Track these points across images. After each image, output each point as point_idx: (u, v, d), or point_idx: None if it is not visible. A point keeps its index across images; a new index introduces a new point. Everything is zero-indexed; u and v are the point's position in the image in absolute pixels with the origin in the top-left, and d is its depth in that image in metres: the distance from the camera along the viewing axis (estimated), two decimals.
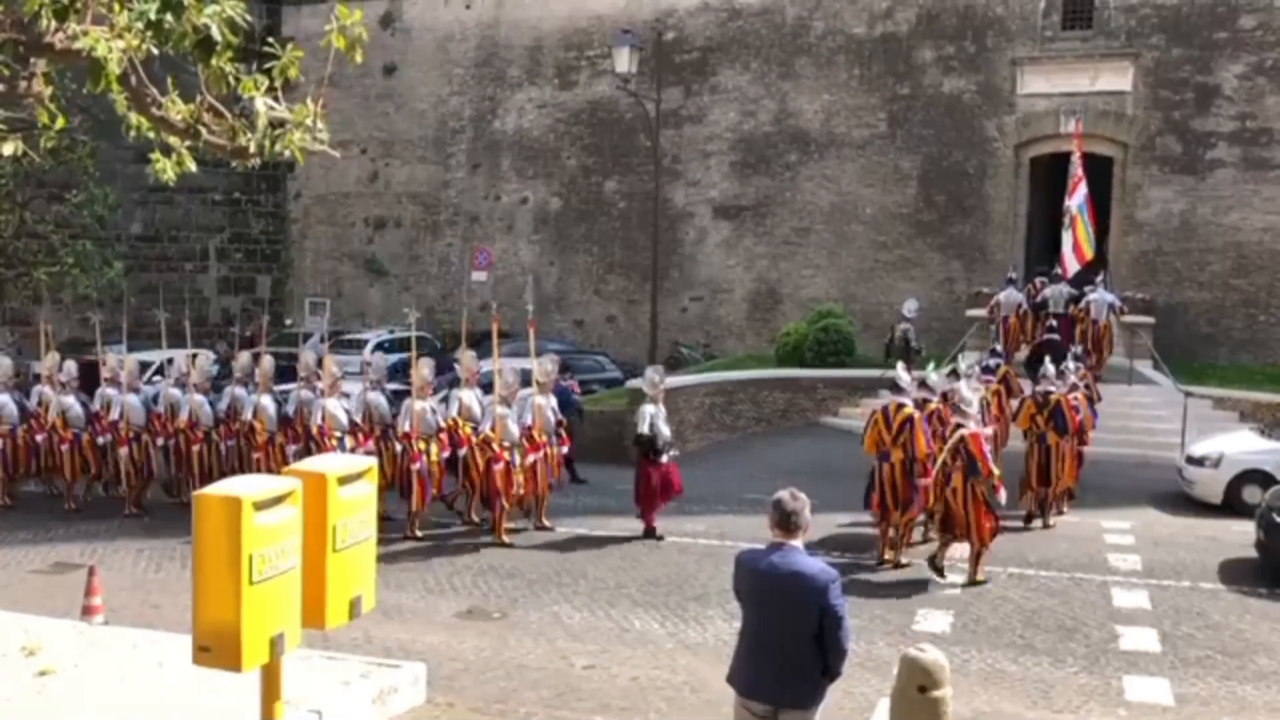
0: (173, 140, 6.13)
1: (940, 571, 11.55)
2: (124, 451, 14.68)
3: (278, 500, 5.72)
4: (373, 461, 6.80)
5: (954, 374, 14.59)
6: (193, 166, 6.20)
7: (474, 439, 13.34)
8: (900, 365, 13.93)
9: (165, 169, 6.10)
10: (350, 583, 6.25)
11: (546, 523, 13.81)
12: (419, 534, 13.28)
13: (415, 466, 13.17)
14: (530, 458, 13.23)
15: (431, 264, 30.86)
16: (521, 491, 13.23)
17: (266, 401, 14.58)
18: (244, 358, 15.73)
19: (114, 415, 14.92)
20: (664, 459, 13.17)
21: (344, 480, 6.19)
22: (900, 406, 12.13)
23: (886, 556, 12.24)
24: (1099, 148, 23.81)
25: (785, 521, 5.49)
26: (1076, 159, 20.79)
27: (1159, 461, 17.06)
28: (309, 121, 5.84)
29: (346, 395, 14.69)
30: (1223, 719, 8.31)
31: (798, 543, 5.51)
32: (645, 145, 26.57)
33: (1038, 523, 13.98)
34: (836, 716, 7.27)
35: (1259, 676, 9.09)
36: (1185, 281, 23.59)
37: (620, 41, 23.73)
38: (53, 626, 8.91)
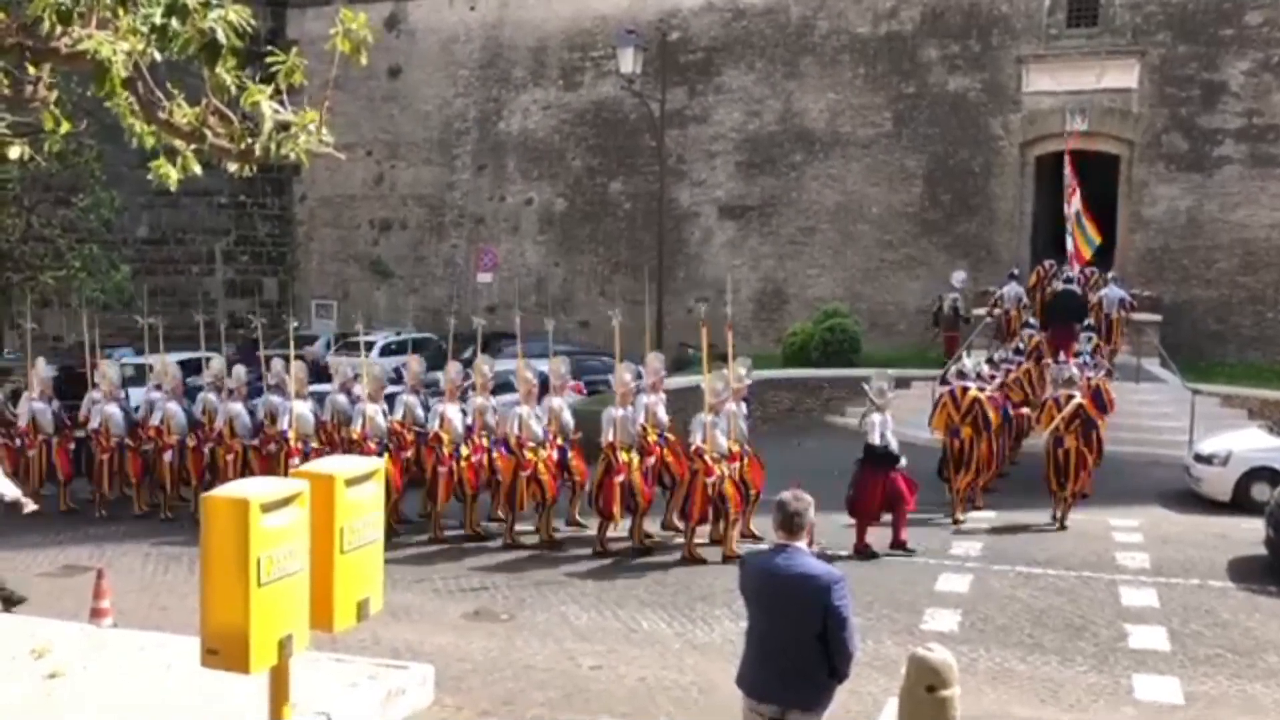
0: (178, 144, 6.12)
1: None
2: (295, 462, 14.14)
3: (285, 502, 5.71)
4: (380, 463, 6.77)
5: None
6: (198, 170, 6.19)
7: (667, 449, 12.94)
8: (964, 353, 16.10)
9: (168, 174, 6.09)
10: (358, 585, 6.24)
11: (755, 531, 12.90)
12: (645, 542, 12.80)
13: (619, 479, 12.40)
14: (734, 465, 12.39)
15: (437, 265, 30.88)
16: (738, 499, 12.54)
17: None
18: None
19: (283, 425, 14.21)
20: (894, 470, 12.55)
21: (351, 482, 6.19)
22: (965, 390, 14.03)
23: (959, 516, 13.99)
24: (1105, 145, 23.78)
25: (789, 523, 5.47)
26: (1068, 165, 20.84)
27: (1167, 459, 17.00)
28: (313, 125, 5.83)
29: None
30: (1232, 717, 8.29)
31: (802, 544, 5.49)
32: (650, 146, 26.57)
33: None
34: (844, 716, 7.25)
35: (1269, 674, 9.07)
36: (1192, 279, 23.53)
37: (624, 42, 23.72)
38: (61, 629, 8.93)
